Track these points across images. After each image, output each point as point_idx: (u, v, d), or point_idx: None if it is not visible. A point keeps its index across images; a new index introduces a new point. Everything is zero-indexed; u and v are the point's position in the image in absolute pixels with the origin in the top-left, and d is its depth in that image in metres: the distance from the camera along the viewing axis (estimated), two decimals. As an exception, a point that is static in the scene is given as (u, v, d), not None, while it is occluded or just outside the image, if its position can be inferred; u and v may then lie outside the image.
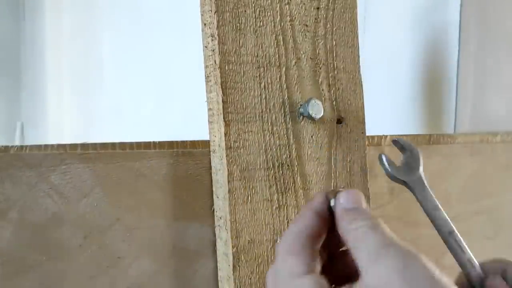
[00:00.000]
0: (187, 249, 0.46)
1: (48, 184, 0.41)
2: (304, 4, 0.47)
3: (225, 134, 0.43)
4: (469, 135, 0.66)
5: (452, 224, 0.39)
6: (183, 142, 0.46)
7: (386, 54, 0.85)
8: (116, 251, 0.43)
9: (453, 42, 0.84)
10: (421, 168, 0.41)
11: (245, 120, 0.44)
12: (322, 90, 0.48)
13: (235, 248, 0.43)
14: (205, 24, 0.45)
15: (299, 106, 0.46)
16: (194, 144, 0.47)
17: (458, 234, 0.39)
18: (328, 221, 0.33)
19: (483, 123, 0.81)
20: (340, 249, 0.35)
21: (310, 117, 0.46)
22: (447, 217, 0.40)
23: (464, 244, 0.39)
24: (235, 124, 0.44)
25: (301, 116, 0.46)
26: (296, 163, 0.46)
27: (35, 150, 0.40)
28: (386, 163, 0.41)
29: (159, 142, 0.45)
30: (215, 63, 0.44)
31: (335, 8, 0.49)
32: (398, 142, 0.43)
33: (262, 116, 0.45)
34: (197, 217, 0.46)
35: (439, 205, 0.40)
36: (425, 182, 0.41)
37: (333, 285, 0.32)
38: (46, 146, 0.41)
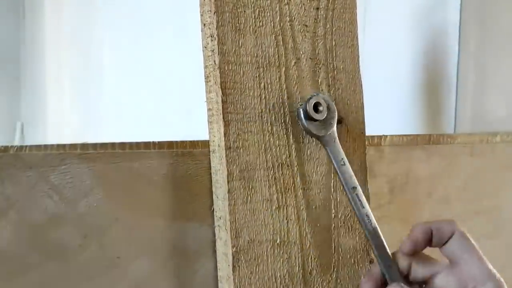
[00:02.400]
0: (187, 249, 0.46)
1: (48, 184, 0.41)
2: (303, 4, 0.47)
3: (225, 134, 0.43)
4: (469, 135, 0.66)
5: (356, 180, 0.45)
6: (182, 142, 0.46)
7: (386, 54, 0.85)
8: (116, 251, 0.43)
9: (453, 42, 0.84)
10: (335, 126, 0.46)
11: (245, 120, 0.44)
12: (322, 90, 0.48)
13: (234, 248, 0.43)
14: (204, 25, 0.45)
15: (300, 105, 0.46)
16: (193, 144, 0.47)
17: (361, 190, 0.45)
18: None
19: (483, 123, 0.81)
20: None
21: (312, 118, 0.45)
22: (352, 173, 0.45)
23: (365, 200, 0.45)
24: (235, 124, 0.44)
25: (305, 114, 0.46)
26: (296, 163, 0.46)
27: (34, 150, 0.40)
28: (303, 120, 0.45)
29: (159, 142, 0.45)
30: (215, 63, 0.44)
31: (335, 8, 0.49)
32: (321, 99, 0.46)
33: (261, 116, 0.45)
34: (196, 217, 0.47)
35: (347, 161, 0.45)
36: (336, 137, 0.46)
37: None
38: (46, 146, 0.41)
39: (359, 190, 0.45)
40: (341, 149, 0.45)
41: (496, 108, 0.79)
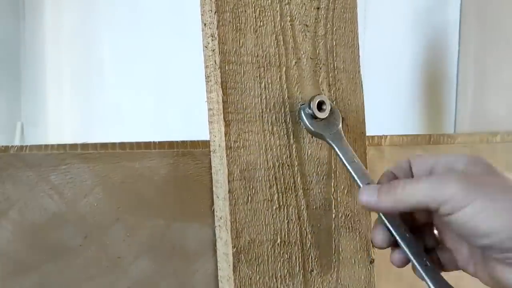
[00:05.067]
0: (187, 249, 0.46)
1: (48, 184, 0.41)
2: (304, 4, 0.47)
3: (225, 134, 0.43)
4: (469, 135, 0.66)
5: (370, 176, 0.43)
6: (183, 142, 0.46)
7: (386, 54, 0.85)
8: (116, 251, 0.43)
9: (453, 42, 0.84)
10: (340, 125, 0.46)
11: (245, 120, 0.44)
12: (322, 90, 0.48)
13: (235, 248, 0.43)
14: (205, 24, 0.45)
15: (301, 105, 0.46)
16: (194, 144, 0.47)
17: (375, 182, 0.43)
18: None
19: (483, 123, 0.81)
20: None
21: (315, 117, 0.45)
22: (365, 169, 0.43)
23: None
24: (235, 124, 0.44)
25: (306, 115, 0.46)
26: (297, 163, 0.46)
27: (35, 150, 0.40)
28: (305, 119, 0.45)
29: (159, 142, 0.45)
30: (215, 63, 0.44)
31: (335, 8, 0.49)
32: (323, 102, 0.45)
33: (262, 116, 0.45)
34: (197, 217, 0.46)
35: (356, 157, 0.44)
36: (343, 136, 0.45)
37: None
38: (46, 146, 0.41)
39: (373, 181, 0.43)
40: (351, 148, 0.45)
41: (496, 108, 0.79)
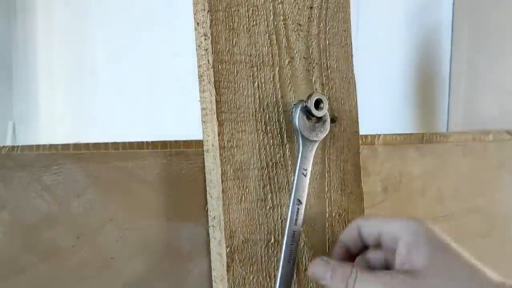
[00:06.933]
0: (181, 249, 0.46)
1: (40, 184, 0.40)
2: (297, 3, 0.47)
3: (219, 134, 0.43)
4: (462, 134, 0.67)
5: (305, 197, 0.45)
6: (176, 142, 0.46)
7: (379, 53, 0.86)
8: (109, 251, 0.43)
9: (446, 42, 0.84)
10: (325, 134, 0.46)
11: (239, 119, 0.44)
12: (316, 89, 0.48)
13: (229, 248, 0.43)
14: (198, 23, 0.44)
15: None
16: (187, 144, 0.47)
17: (303, 208, 0.45)
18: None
19: (475, 122, 0.81)
20: None
21: (312, 115, 0.45)
22: (307, 187, 0.45)
23: (302, 218, 0.44)
24: (229, 124, 0.44)
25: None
26: (290, 162, 0.46)
27: (27, 150, 0.40)
28: (298, 119, 0.45)
29: (152, 142, 0.45)
30: (208, 62, 0.43)
31: (328, 7, 0.49)
32: None
33: (255, 116, 0.45)
34: (190, 217, 0.46)
35: (309, 173, 0.45)
36: (315, 148, 0.46)
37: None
38: (38, 146, 0.41)
39: (302, 207, 0.44)
40: (312, 160, 0.45)
41: (489, 107, 0.80)
